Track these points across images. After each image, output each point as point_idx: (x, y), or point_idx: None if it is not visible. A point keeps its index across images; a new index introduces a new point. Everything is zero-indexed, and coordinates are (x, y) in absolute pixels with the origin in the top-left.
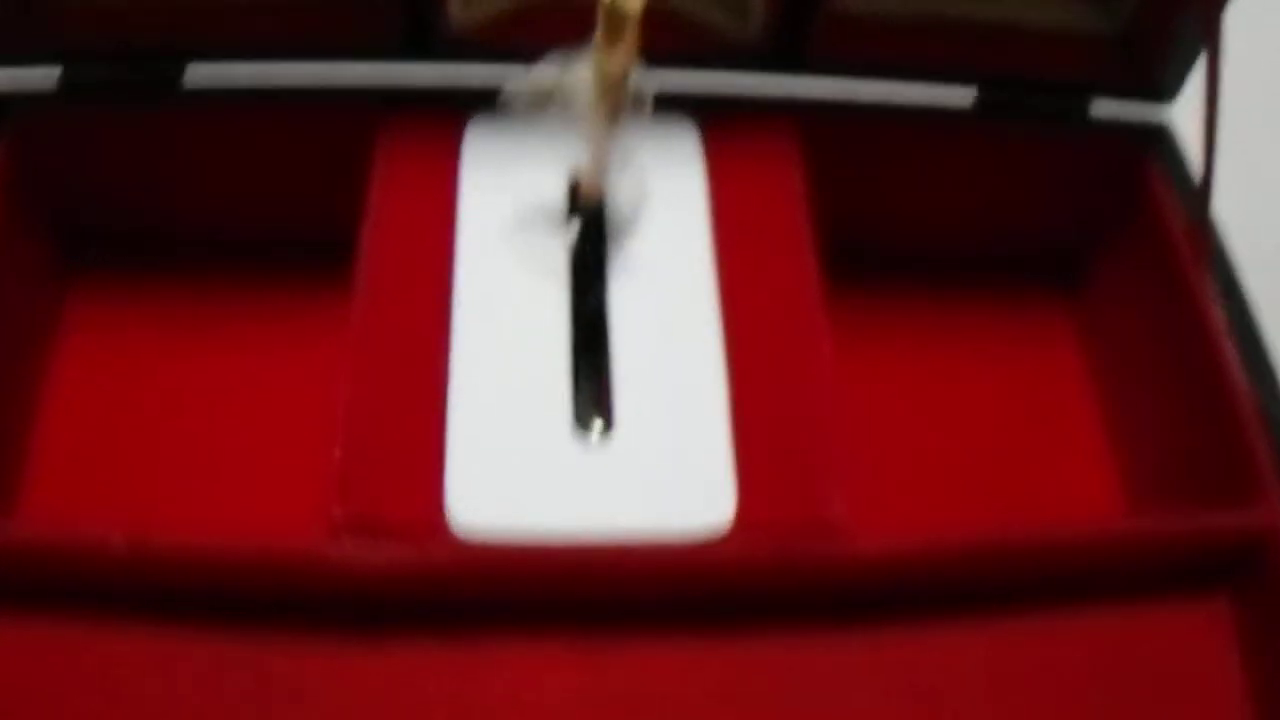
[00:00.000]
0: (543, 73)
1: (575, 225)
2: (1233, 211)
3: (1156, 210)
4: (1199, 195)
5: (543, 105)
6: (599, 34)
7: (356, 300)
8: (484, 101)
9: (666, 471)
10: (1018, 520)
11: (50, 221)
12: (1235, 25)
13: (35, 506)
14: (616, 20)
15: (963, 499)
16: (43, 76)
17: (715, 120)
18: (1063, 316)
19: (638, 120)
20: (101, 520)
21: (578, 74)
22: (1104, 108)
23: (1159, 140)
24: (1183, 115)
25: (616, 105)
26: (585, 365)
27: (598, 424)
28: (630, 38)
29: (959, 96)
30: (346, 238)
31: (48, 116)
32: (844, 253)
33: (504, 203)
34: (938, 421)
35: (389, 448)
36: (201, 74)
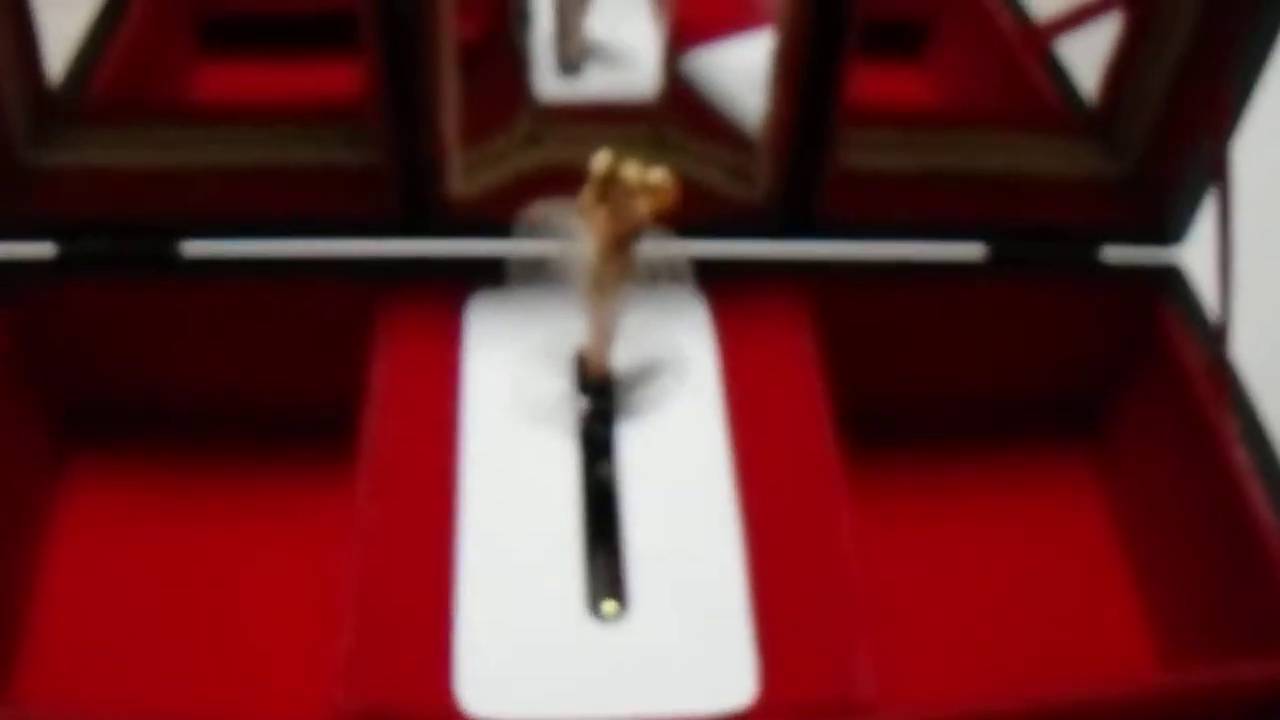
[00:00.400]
0: (545, 243)
1: (583, 400)
2: (1249, 348)
3: (1173, 352)
4: (1215, 334)
5: (547, 276)
6: (589, 199)
7: (361, 481)
8: (486, 272)
9: (684, 652)
10: (1049, 682)
11: (48, 396)
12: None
13: (31, 687)
14: (617, 187)
15: (991, 663)
16: (40, 248)
17: (723, 285)
18: (1082, 466)
19: (645, 288)
20: (98, 704)
21: (580, 243)
22: (1114, 251)
23: (1171, 281)
24: (1191, 253)
25: (620, 274)
26: (597, 544)
27: (611, 605)
28: (634, 205)
29: (969, 250)
30: (348, 414)
31: (44, 289)
32: (858, 415)
33: (510, 377)
34: (961, 584)
35: (396, 633)
36: (200, 246)
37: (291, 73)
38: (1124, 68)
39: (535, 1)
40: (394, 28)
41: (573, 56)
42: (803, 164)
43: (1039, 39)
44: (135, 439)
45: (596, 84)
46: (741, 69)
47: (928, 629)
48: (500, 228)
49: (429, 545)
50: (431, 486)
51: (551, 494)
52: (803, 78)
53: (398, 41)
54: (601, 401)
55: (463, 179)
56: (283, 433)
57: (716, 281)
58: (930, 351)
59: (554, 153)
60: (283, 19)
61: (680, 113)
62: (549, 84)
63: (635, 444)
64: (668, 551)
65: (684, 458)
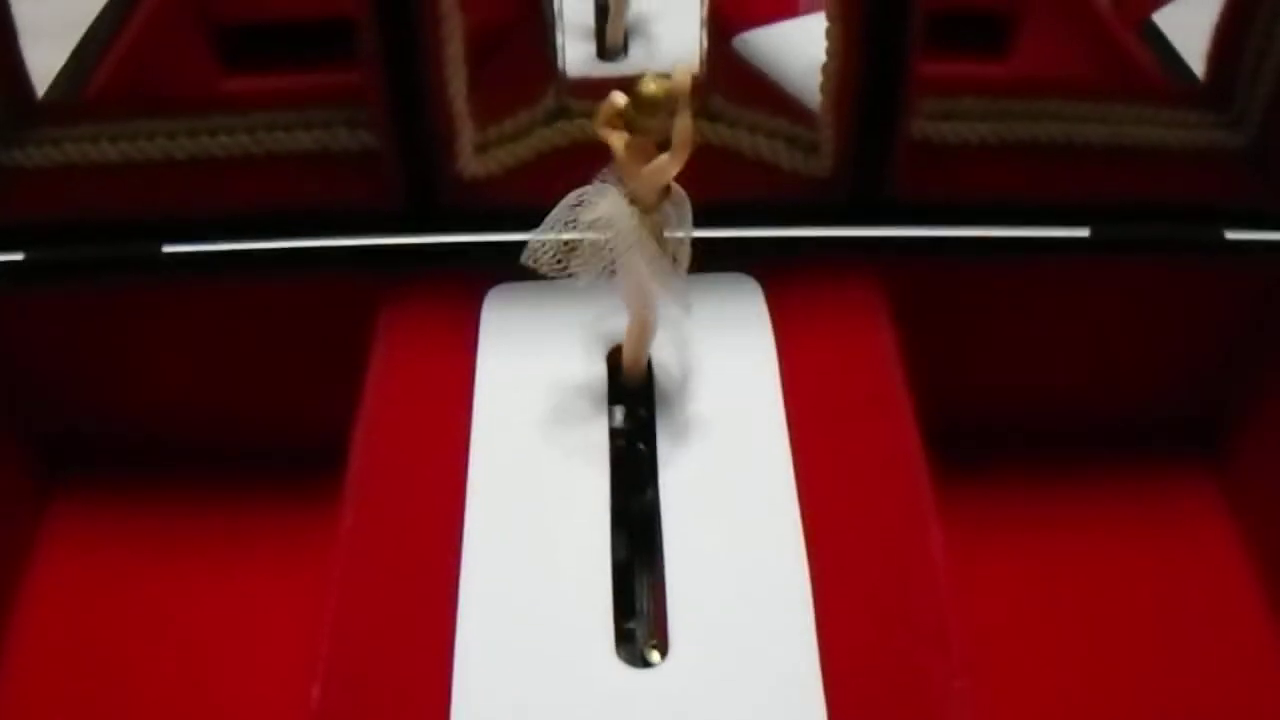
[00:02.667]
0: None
1: (618, 410)
2: None
3: None
4: None
5: (573, 263)
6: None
7: (347, 499)
8: (503, 262)
9: (738, 700)
10: None
11: (27, 422)
12: None
13: None
14: (647, 105)
15: (1111, 711)
16: (11, 255)
17: (782, 268)
18: (1206, 482)
19: (689, 274)
20: None
21: (611, 219)
22: (1237, 235)
23: None
24: None
25: (660, 254)
26: (632, 576)
27: (649, 647)
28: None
29: (1070, 229)
30: (347, 438)
31: (15, 297)
32: (941, 426)
33: (528, 384)
34: (1073, 622)
35: (380, 682)
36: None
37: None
38: (1238, 29)
39: None
40: None
41: (613, 44)
42: (872, 129)
43: (1136, 11)
44: (119, 471)
45: (635, 62)
46: (800, 47)
47: (1034, 672)
48: (520, 212)
49: (422, 579)
50: (429, 510)
51: (576, 520)
52: (868, 19)
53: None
54: (639, 411)
55: (476, 158)
56: (277, 462)
57: (775, 263)
58: (1024, 349)
59: (584, 127)
60: (311, 28)
61: (731, 84)
62: (583, 66)
63: (679, 459)
64: (718, 583)
65: (738, 474)
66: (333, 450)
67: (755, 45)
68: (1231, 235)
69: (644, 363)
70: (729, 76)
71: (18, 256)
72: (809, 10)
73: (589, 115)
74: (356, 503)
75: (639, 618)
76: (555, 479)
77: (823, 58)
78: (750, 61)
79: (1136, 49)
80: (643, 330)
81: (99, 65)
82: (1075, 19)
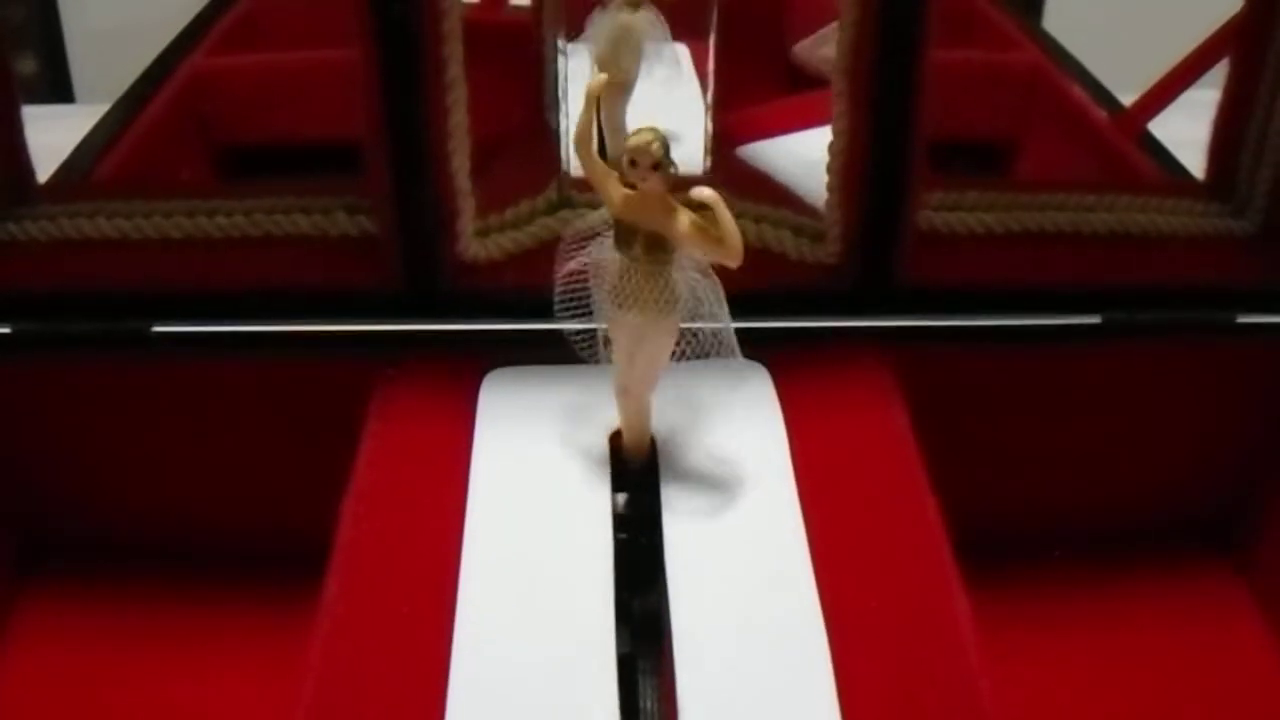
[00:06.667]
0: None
1: (620, 497)
2: None
3: None
4: None
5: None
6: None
7: (329, 589)
8: (502, 347)
9: None
10: None
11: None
12: None
13: None
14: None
15: None
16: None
17: (791, 355)
18: (1232, 579)
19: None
20: None
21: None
22: (1250, 321)
23: None
24: None
25: (664, 338)
26: (637, 681)
27: None
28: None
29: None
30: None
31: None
32: (954, 530)
33: (527, 471)
34: None
35: None
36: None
37: None
38: (1236, 116)
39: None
40: (392, 44)
41: (615, 157)
42: (879, 212)
43: (1136, 120)
44: (94, 563)
45: None
46: (804, 156)
47: None
48: (520, 298)
49: (411, 683)
50: (417, 602)
51: (577, 615)
52: (874, 88)
53: (396, 62)
54: (643, 499)
55: (477, 240)
56: (260, 561)
57: (783, 350)
58: (1036, 438)
59: (588, 216)
60: (312, 151)
61: (734, 182)
62: None
63: (687, 548)
64: (733, 682)
65: (751, 565)
66: (319, 549)
67: (759, 156)
68: (1244, 319)
69: (647, 445)
70: (733, 177)
71: (3, 330)
72: (810, 125)
73: (593, 205)
74: (339, 592)
75: (645, 718)
76: (554, 570)
77: (825, 162)
78: (756, 166)
79: (1138, 159)
80: (642, 417)
81: (92, 172)
82: (1075, 138)
